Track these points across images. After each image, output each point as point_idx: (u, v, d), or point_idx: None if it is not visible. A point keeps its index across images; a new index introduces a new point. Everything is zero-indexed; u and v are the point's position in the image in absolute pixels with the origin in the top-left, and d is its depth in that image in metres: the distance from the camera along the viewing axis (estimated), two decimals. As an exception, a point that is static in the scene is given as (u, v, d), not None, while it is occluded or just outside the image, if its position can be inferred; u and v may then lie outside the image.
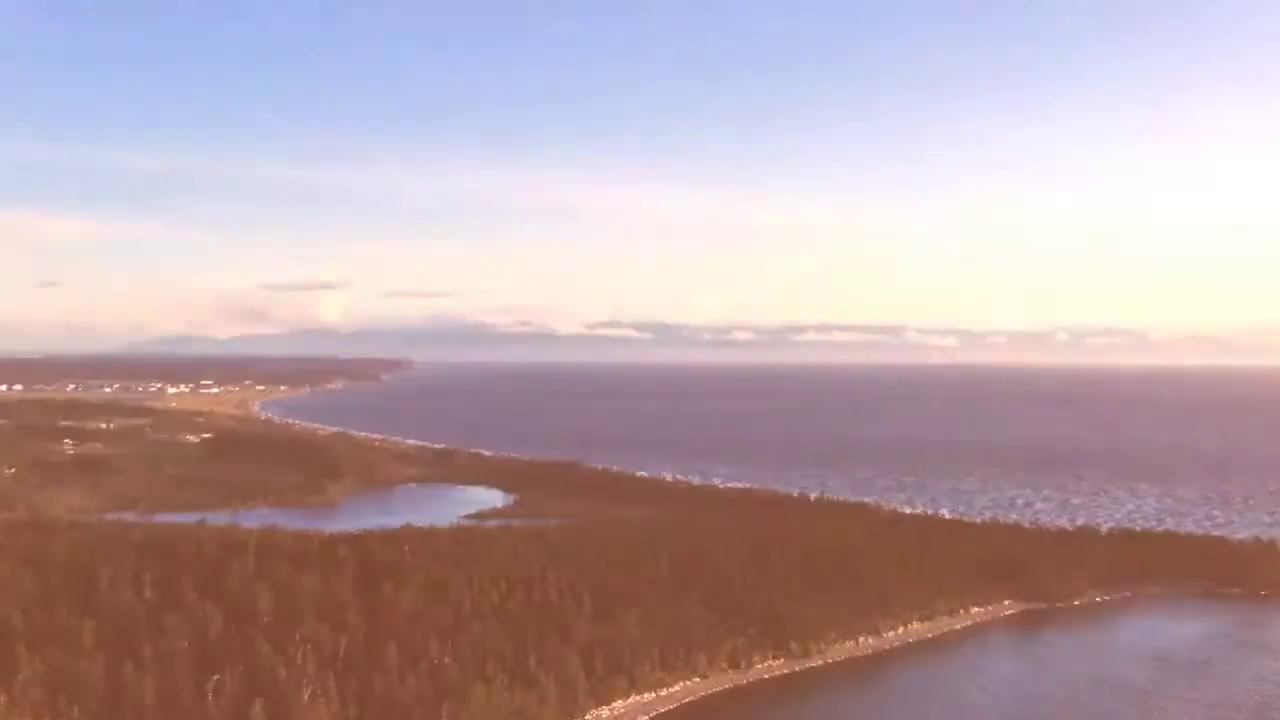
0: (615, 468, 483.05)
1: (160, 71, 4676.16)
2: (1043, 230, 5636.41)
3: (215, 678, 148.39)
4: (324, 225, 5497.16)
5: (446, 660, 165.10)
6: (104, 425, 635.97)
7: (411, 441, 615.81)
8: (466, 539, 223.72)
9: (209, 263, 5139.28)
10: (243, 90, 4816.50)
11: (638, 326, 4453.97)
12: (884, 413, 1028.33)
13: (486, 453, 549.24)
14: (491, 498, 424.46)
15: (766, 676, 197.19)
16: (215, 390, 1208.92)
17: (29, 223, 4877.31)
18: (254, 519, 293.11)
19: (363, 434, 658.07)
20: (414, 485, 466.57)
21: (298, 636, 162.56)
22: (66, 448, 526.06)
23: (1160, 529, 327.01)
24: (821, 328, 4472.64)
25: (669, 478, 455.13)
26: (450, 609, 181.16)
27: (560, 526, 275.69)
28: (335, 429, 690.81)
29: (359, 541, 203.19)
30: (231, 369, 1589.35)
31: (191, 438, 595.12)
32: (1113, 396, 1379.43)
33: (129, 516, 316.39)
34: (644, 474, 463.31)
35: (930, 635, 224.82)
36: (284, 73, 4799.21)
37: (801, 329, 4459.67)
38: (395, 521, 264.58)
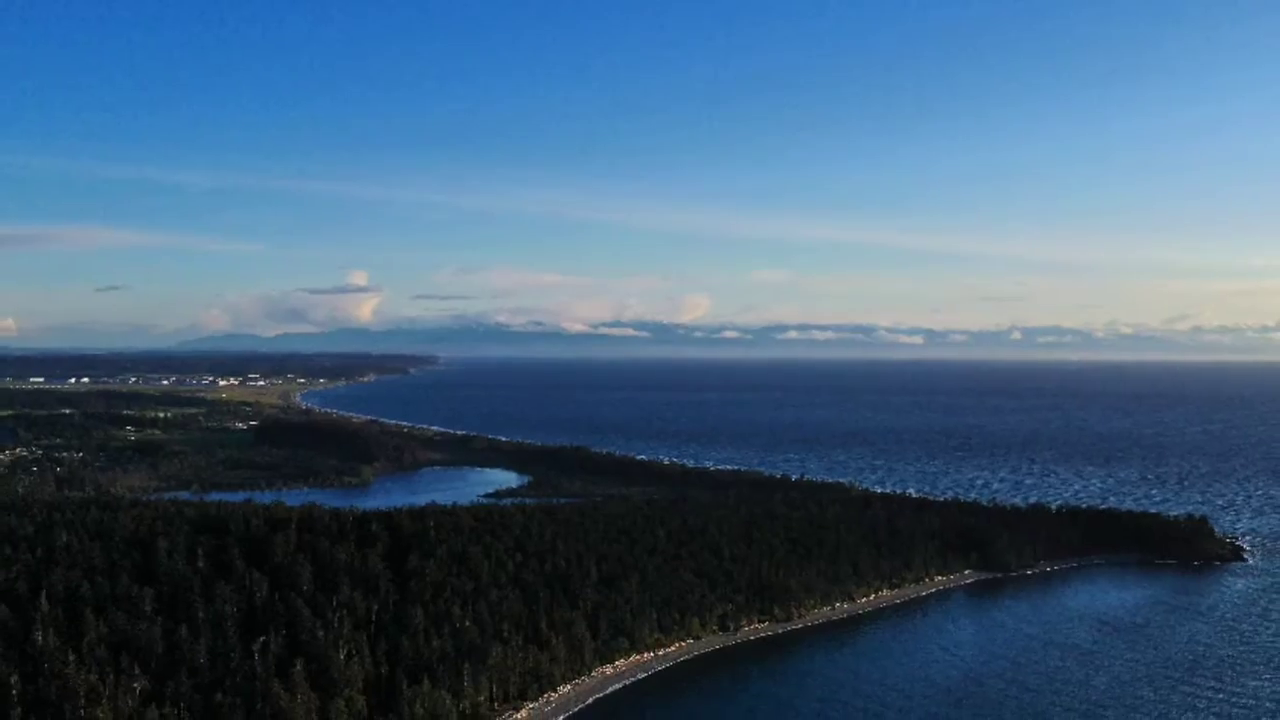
0: (618, 452, 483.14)
1: (210, 98, 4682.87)
2: (1000, 243, 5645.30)
3: (261, 639, 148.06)
4: (357, 236, 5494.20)
5: (468, 623, 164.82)
6: (161, 414, 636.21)
7: (436, 429, 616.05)
8: (485, 515, 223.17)
9: (254, 269, 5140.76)
10: (284, 115, 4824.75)
11: (637, 326, 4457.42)
12: (857, 403, 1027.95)
13: (503, 439, 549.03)
14: (507, 478, 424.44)
15: (753, 638, 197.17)
16: (261, 383, 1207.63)
17: (93, 234, 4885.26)
18: (295, 497, 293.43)
19: (392, 422, 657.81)
20: (438, 467, 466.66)
21: (335, 602, 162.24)
22: (128, 434, 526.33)
23: (1104, 506, 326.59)
24: (801, 327, 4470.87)
25: (666, 461, 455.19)
26: (470, 578, 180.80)
27: (569, 504, 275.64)
28: (368, 417, 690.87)
29: (389, 518, 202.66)
30: (275, 364, 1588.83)
31: (240, 425, 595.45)
32: (1060, 389, 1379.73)
33: (184, 495, 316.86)
34: (643, 458, 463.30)
35: (898, 601, 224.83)
36: (321, 101, 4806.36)
37: (783, 328, 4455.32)
38: (421, 500, 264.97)
